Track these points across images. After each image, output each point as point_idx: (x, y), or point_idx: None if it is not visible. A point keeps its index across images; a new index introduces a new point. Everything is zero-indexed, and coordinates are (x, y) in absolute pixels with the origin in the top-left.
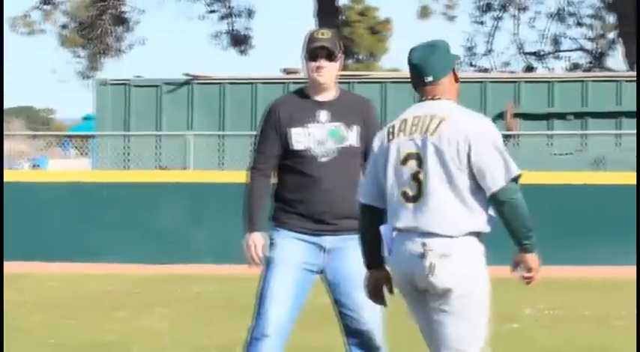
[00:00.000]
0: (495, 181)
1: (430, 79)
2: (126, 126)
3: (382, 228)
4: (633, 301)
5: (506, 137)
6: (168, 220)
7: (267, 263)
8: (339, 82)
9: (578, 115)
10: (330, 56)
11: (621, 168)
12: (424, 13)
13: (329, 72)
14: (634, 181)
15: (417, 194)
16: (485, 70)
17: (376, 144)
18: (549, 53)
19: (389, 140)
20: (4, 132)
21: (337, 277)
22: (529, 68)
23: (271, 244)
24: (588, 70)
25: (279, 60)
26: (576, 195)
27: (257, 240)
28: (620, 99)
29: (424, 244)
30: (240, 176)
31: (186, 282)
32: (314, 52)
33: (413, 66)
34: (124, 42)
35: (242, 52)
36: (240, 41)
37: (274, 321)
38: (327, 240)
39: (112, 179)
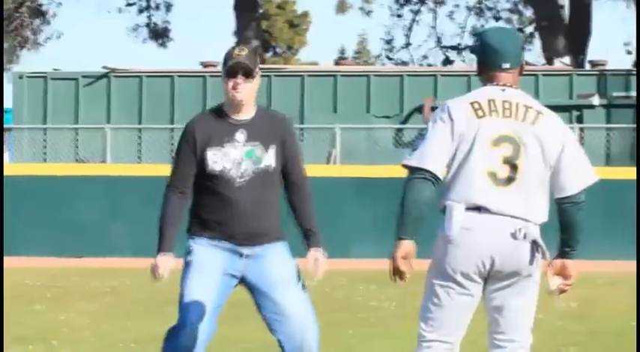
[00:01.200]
0: (581, 182)
1: (507, 66)
2: (44, 119)
3: (451, 204)
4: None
5: (424, 130)
6: (86, 213)
7: (186, 266)
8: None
9: None
10: (248, 74)
11: None
12: (341, 7)
13: (247, 89)
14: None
15: (508, 178)
16: (404, 64)
17: (459, 115)
18: (468, 46)
19: (479, 117)
20: None
21: (258, 282)
22: (447, 61)
23: (189, 251)
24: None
25: (197, 53)
26: None
27: (162, 263)
28: (538, 93)
29: (521, 228)
30: (158, 169)
31: (104, 276)
32: (232, 69)
33: (492, 49)
34: (42, 34)
35: (161, 45)
36: (158, 34)
37: (197, 321)
38: (245, 249)
39: (30, 172)
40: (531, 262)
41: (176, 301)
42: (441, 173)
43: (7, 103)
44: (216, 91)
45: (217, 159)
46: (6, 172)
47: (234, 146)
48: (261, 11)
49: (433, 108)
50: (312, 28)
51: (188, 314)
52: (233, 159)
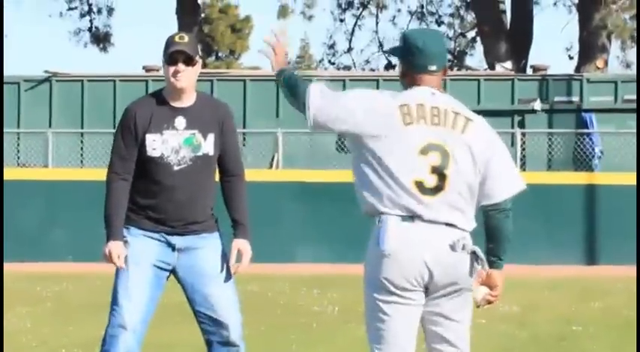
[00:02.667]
0: (508, 189)
1: (434, 68)
2: None
3: (385, 217)
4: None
5: None
6: (27, 218)
7: None
8: (200, 80)
9: None
10: (189, 60)
11: None
12: (283, 12)
13: (187, 76)
14: None
15: (436, 187)
16: (346, 68)
17: (383, 119)
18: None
19: (407, 123)
20: None
21: (190, 275)
22: (390, 66)
23: (124, 242)
24: (448, 68)
25: (139, 57)
26: None
27: (116, 250)
28: (479, 98)
29: (459, 239)
30: (100, 174)
31: (45, 281)
32: (172, 56)
33: (419, 50)
34: None
35: (102, 49)
36: (100, 39)
37: (129, 318)
38: (177, 239)
39: None
40: (471, 274)
41: None
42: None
43: None
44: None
45: (156, 146)
46: None
47: (173, 132)
48: (203, 15)
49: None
50: (255, 33)
51: (124, 315)
52: (172, 146)
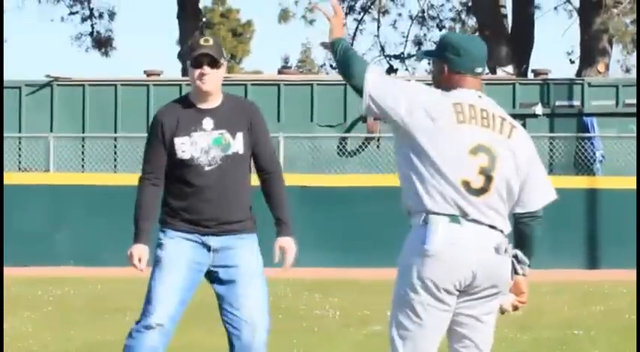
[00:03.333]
0: (544, 198)
1: (480, 70)
2: None
3: (434, 217)
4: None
5: (367, 139)
6: (29, 222)
7: (155, 261)
8: None
9: None
10: (214, 63)
11: None
12: (284, 16)
13: (213, 79)
14: None
15: (481, 189)
16: None
17: (438, 114)
18: (411, 56)
19: (460, 121)
20: None
21: (223, 274)
22: (391, 70)
23: (159, 244)
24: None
25: (141, 62)
26: None
27: (137, 252)
28: None
29: (502, 243)
30: (102, 178)
31: (47, 285)
32: (198, 59)
33: (466, 51)
34: None
35: (104, 53)
36: (101, 43)
37: (158, 318)
38: (213, 240)
39: None
40: (511, 277)
41: (119, 310)
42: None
43: None
44: (160, 100)
45: (186, 148)
46: None
47: (201, 134)
48: (204, 20)
49: (377, 118)
50: (256, 37)
51: (154, 313)
52: (201, 147)
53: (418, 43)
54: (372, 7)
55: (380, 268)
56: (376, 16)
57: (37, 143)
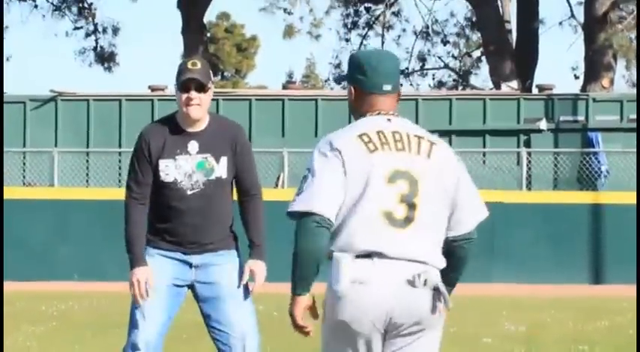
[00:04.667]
0: (476, 217)
1: (389, 88)
2: None
3: (337, 255)
4: (497, 319)
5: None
6: (33, 237)
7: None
8: None
9: (444, 133)
10: (202, 88)
11: (486, 187)
12: (289, 32)
13: (200, 104)
14: (499, 199)
15: (406, 218)
16: None
17: (348, 150)
18: (415, 71)
19: (371, 151)
20: None
21: (206, 291)
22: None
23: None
24: (454, 88)
25: (145, 77)
26: None
27: (141, 276)
28: (485, 118)
29: (420, 274)
30: (106, 193)
31: (51, 299)
32: (185, 83)
33: (371, 68)
34: None
35: (108, 68)
36: (105, 58)
37: (145, 337)
38: (194, 258)
39: None
40: (433, 311)
41: (123, 324)
42: (334, 216)
43: None
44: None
45: (169, 171)
46: None
47: (185, 157)
48: (208, 35)
49: None
50: (261, 52)
51: (140, 334)
52: (185, 170)
53: (422, 58)
54: (376, 22)
55: None
56: (380, 32)
57: (42, 158)
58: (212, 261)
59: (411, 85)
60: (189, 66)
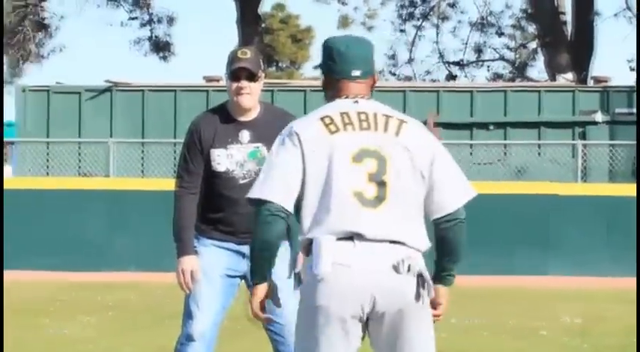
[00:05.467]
0: (460, 197)
1: (358, 73)
2: (47, 132)
3: (318, 239)
4: (552, 311)
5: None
6: (90, 227)
7: None
8: (263, 90)
9: (500, 125)
10: (252, 77)
11: (542, 178)
12: (344, 22)
13: (251, 93)
14: (555, 191)
15: (377, 197)
16: (407, 79)
17: (308, 134)
18: (471, 62)
19: (332, 132)
20: None
21: None
22: (451, 77)
23: (195, 252)
24: (510, 79)
25: (200, 67)
26: (498, 204)
27: (187, 266)
28: (541, 110)
29: (404, 259)
30: (162, 183)
31: (108, 290)
32: (235, 72)
33: (339, 54)
34: (45, 48)
35: (163, 58)
36: (161, 48)
37: (199, 328)
38: (246, 248)
39: (33, 186)
40: (417, 299)
41: (179, 314)
42: (290, 204)
43: (11, 116)
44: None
45: (221, 161)
46: (9, 186)
47: (237, 146)
48: (264, 26)
49: (437, 124)
50: (316, 43)
51: (194, 324)
52: (237, 160)
53: (478, 50)
54: (431, 13)
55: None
56: (435, 23)
57: (97, 148)
58: None
59: (466, 76)
60: (240, 55)
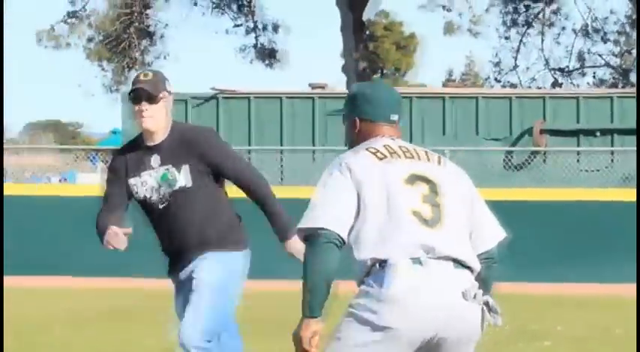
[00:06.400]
0: (494, 236)
1: (396, 117)
2: None
3: (392, 260)
4: None
5: (534, 154)
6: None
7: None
8: None
9: (606, 132)
10: (152, 99)
11: None
12: (449, 28)
13: (152, 115)
14: None
15: (433, 219)
16: (513, 86)
17: (358, 163)
18: (575, 69)
19: (380, 159)
20: (33, 146)
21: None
22: (556, 84)
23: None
24: (614, 85)
25: (305, 74)
26: (605, 211)
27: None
28: None
29: (471, 287)
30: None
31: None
32: (135, 95)
33: (378, 99)
34: (150, 55)
35: (269, 65)
36: (266, 55)
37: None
38: (181, 274)
39: None
40: (482, 328)
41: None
42: (345, 233)
43: (117, 124)
44: (325, 113)
45: (138, 189)
46: None
47: (149, 172)
48: (367, 33)
49: (543, 131)
50: (420, 50)
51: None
52: (151, 185)
53: (582, 57)
54: (535, 20)
55: (551, 283)
56: (540, 30)
57: None
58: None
59: (571, 83)
60: (141, 77)
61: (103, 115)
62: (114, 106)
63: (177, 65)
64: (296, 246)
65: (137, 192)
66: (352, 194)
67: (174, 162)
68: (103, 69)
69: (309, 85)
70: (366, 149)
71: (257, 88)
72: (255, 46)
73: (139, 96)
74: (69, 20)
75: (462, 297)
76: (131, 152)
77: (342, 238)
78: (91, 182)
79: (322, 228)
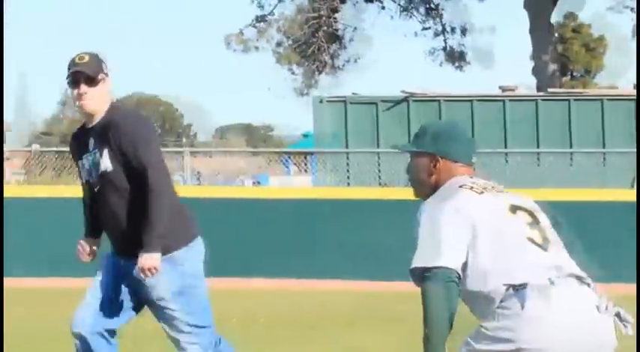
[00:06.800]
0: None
1: (475, 159)
2: (346, 143)
3: (529, 287)
4: None
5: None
6: (387, 238)
7: None
8: (557, 100)
9: None
10: (90, 81)
11: None
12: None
13: (91, 97)
14: None
15: (543, 244)
16: None
17: (460, 199)
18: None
19: (479, 193)
20: (225, 149)
21: (141, 298)
22: None
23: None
24: None
25: (496, 77)
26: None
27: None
28: None
29: (596, 295)
30: None
31: (401, 299)
32: (73, 78)
33: (466, 139)
34: (340, 59)
35: (459, 67)
36: (454, 58)
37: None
38: (122, 259)
39: (332, 195)
40: (615, 341)
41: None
42: (460, 268)
43: (308, 127)
44: (516, 116)
45: (82, 172)
46: (309, 195)
47: (87, 155)
48: (556, 35)
49: None
50: (609, 52)
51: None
52: (87, 168)
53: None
54: None
55: None
56: None
57: (396, 158)
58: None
59: None
60: (77, 60)
61: (294, 118)
62: (304, 110)
63: (367, 68)
64: (147, 262)
65: (82, 176)
66: (466, 230)
67: (99, 145)
68: (292, 73)
69: (500, 87)
70: (460, 186)
71: (447, 90)
72: (444, 48)
73: (77, 79)
74: (257, 24)
75: (597, 310)
76: (79, 135)
77: (459, 274)
78: (284, 184)
79: (442, 267)
